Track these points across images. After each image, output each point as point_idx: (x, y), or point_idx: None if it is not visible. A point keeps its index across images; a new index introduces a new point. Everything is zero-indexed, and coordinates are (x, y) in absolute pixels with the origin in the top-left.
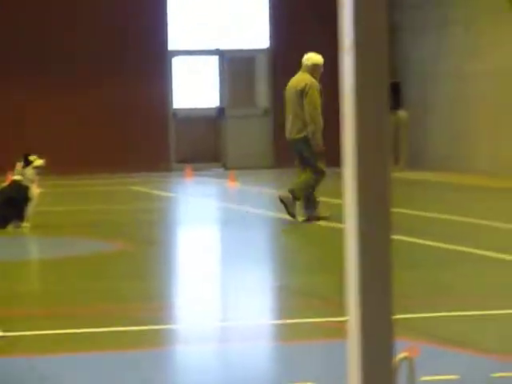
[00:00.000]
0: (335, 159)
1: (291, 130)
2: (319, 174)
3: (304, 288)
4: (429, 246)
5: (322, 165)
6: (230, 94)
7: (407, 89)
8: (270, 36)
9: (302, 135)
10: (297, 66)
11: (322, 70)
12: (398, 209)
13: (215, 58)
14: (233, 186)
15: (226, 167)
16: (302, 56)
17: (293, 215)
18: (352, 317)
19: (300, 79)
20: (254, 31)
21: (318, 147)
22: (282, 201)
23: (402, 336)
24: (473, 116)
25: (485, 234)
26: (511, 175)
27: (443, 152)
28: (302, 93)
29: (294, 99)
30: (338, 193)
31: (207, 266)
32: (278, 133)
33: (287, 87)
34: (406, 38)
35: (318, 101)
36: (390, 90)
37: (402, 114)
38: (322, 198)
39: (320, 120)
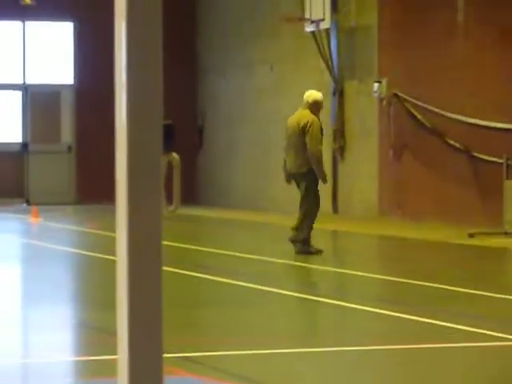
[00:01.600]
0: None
1: (293, 165)
2: (317, 206)
3: (102, 324)
4: (231, 284)
5: (318, 198)
6: (34, 129)
7: (215, 130)
8: (75, 72)
9: (303, 170)
10: (102, 102)
11: (322, 106)
12: (198, 247)
13: (19, 93)
14: (35, 221)
15: (28, 203)
16: (106, 92)
17: (316, 251)
18: (121, 354)
19: (301, 116)
20: (60, 66)
21: (324, 179)
22: (292, 242)
23: (197, 374)
24: (277, 157)
25: (286, 273)
26: None
27: (248, 192)
28: (304, 129)
29: (296, 135)
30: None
31: (6, 303)
32: (80, 169)
33: (288, 123)
34: (214, 79)
35: (319, 136)
36: (163, 131)
37: (174, 155)
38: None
39: (321, 154)
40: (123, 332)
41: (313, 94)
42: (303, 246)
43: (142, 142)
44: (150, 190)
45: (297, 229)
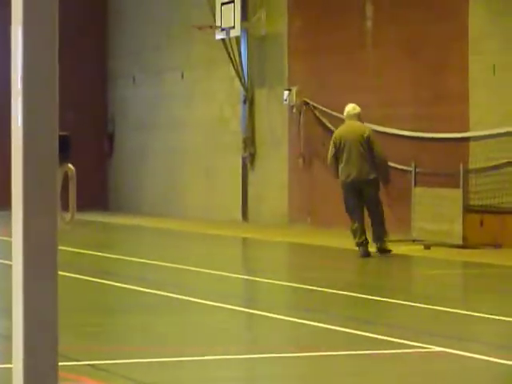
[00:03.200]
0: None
1: (359, 173)
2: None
3: (9, 332)
4: (139, 291)
5: None
6: None
7: (124, 136)
8: None
9: (371, 177)
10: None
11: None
12: (108, 254)
13: None
14: None
15: None
16: (5, 98)
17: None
18: (16, 363)
19: (359, 127)
20: None
21: (389, 183)
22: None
23: (103, 382)
24: (187, 164)
25: (196, 280)
26: (222, 222)
27: (158, 199)
28: (369, 138)
29: (360, 144)
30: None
31: None
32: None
33: (342, 135)
34: (123, 84)
35: None
36: (60, 142)
37: (70, 167)
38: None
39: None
40: (18, 339)
41: (356, 106)
42: (384, 243)
43: (38, 152)
44: (46, 199)
45: (378, 235)
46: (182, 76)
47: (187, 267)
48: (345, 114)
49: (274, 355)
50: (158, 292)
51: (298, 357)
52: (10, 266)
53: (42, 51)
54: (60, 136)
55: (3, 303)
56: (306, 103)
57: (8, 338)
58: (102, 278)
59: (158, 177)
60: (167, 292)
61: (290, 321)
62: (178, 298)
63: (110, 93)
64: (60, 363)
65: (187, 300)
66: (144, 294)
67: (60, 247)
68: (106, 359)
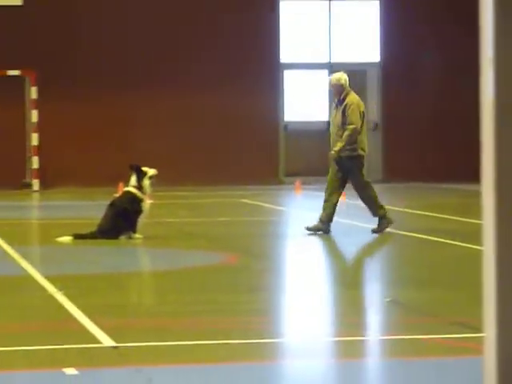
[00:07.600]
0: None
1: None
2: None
3: (414, 303)
4: None
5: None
6: None
7: None
8: (381, 49)
9: None
10: (407, 79)
11: (332, 88)
12: None
13: (326, 72)
14: (342, 199)
15: None
16: (412, 70)
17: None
18: (489, 335)
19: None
20: (365, 44)
21: None
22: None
23: None
24: None
25: None
26: None
27: None
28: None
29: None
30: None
31: (314, 280)
32: (387, 147)
33: (362, 104)
34: None
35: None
36: None
37: None
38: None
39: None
40: (491, 314)
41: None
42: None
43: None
44: None
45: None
46: None
47: None
48: (346, 83)
49: None
50: None
51: None
52: (414, 238)
53: None
54: None
55: (405, 275)
56: None
57: (413, 309)
58: None
59: None
60: None
61: None
62: None
63: None
64: (465, 334)
65: None
66: None
67: None
68: None
